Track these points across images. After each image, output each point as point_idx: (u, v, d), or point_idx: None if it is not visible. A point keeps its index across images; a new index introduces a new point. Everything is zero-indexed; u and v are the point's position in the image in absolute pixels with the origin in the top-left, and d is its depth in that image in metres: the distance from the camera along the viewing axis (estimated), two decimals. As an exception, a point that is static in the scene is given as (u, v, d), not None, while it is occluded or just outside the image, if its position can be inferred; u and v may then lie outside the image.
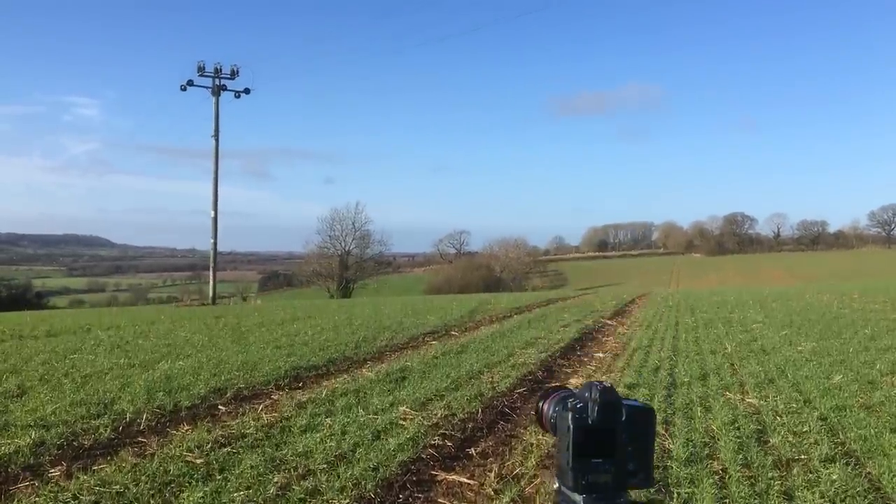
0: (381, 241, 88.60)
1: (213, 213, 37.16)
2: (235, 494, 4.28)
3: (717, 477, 4.51)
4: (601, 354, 10.41)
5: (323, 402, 6.80)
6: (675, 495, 4.21)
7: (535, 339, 11.93)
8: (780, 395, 6.88)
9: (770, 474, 4.54)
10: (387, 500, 4.35)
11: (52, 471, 4.83)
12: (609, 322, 15.67)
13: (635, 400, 1.62)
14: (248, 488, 4.38)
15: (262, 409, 6.56)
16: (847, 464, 4.75)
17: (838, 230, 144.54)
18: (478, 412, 6.38)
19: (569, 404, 1.64)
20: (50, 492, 4.33)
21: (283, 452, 5.09)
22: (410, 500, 4.39)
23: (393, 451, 5.08)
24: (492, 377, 8.18)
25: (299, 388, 7.81)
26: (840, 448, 5.11)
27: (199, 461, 4.92)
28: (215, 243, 38.22)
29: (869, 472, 4.61)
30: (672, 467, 4.69)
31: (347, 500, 4.21)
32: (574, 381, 8.13)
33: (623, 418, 1.56)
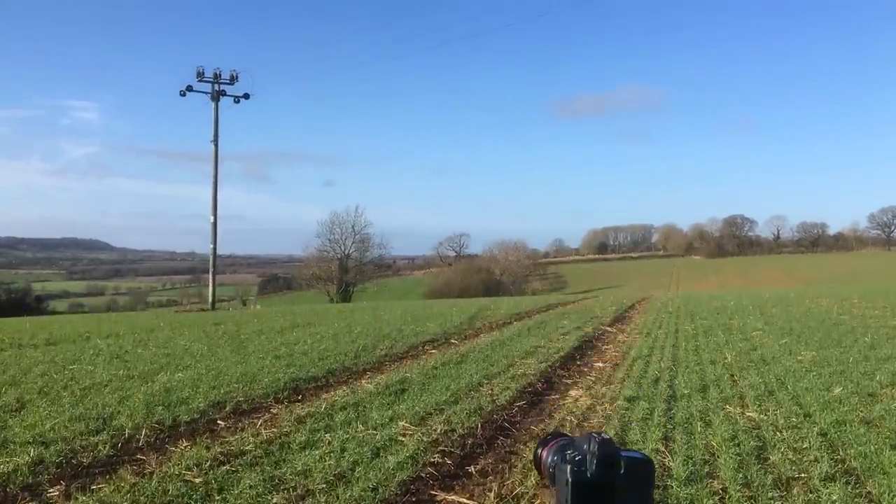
0: (381, 245, 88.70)
1: (212, 219, 37.16)
2: (234, 516, 4.27)
3: (717, 498, 4.50)
4: (601, 364, 10.40)
5: (322, 416, 6.79)
6: (675, 516, 4.21)
7: (535, 347, 11.92)
8: (780, 409, 6.87)
9: (770, 494, 4.53)
10: (386, 521, 4.34)
11: (51, 490, 4.83)
12: (609, 329, 15.66)
13: (634, 451, 1.61)
14: (247, 510, 4.37)
15: (261, 424, 6.55)
16: (847, 483, 4.74)
17: (838, 232, 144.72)
18: (477, 427, 6.37)
19: (567, 456, 1.64)
20: (48, 514, 4.32)
21: (283, 471, 5.08)
22: (410, 521, 4.38)
23: (392, 469, 5.07)
24: (491, 389, 8.17)
25: (298, 401, 7.80)
26: (840, 466, 5.10)
27: (197, 480, 4.91)
28: (214, 249, 38.23)
29: (869, 492, 4.60)
30: (672, 487, 4.68)
31: (346, 522, 4.20)
32: (573, 393, 8.11)
33: (622, 471, 1.56)
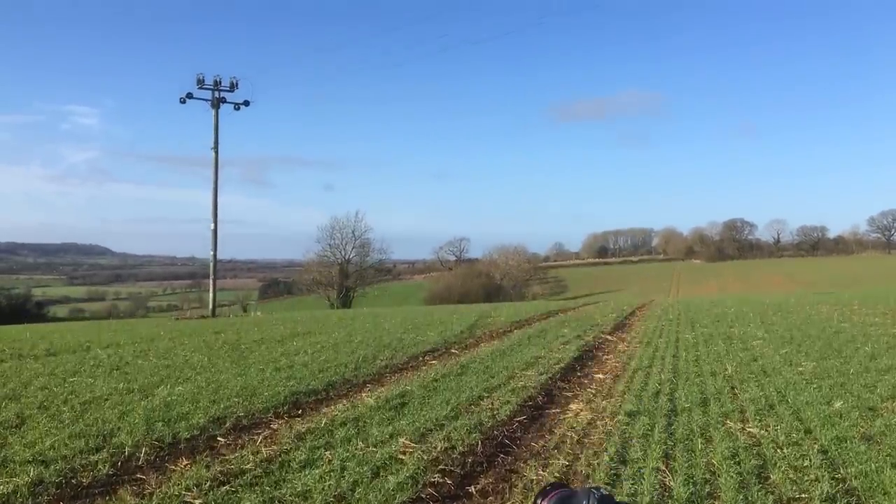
0: (381, 249, 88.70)
1: (212, 226, 37.17)
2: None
3: (717, 520, 4.49)
4: (601, 376, 10.39)
5: (322, 432, 6.78)
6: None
7: (536, 358, 11.91)
8: (781, 424, 6.86)
9: (771, 516, 4.53)
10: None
11: (51, 513, 4.82)
12: (609, 338, 15.66)
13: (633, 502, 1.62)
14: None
15: (261, 441, 6.55)
16: (848, 503, 4.73)
17: (838, 235, 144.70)
18: (478, 444, 6.36)
19: (567, 511, 1.64)
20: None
21: (282, 492, 5.07)
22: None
23: (393, 490, 5.06)
24: (492, 403, 8.16)
25: (298, 415, 7.79)
26: (841, 486, 5.09)
27: (197, 502, 4.90)
28: (215, 255, 38.22)
29: (870, 513, 4.60)
30: (672, 508, 4.67)
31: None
32: (574, 407, 8.10)
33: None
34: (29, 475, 5.41)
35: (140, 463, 5.93)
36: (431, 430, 6.82)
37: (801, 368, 10.25)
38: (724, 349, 12.92)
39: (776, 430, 6.67)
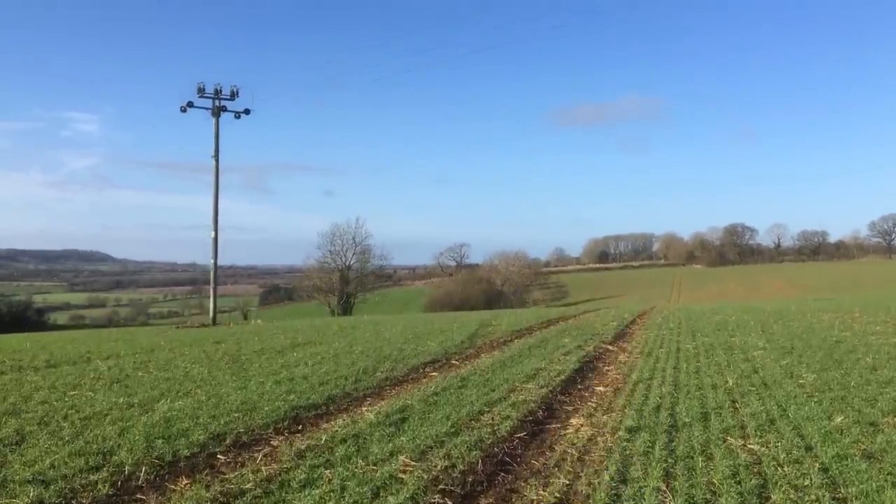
0: (382, 255, 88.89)
1: (213, 234, 37.17)
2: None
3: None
4: (602, 388, 10.38)
5: (322, 449, 6.77)
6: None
7: (536, 370, 11.90)
8: (782, 441, 6.85)
9: (772, 538, 4.52)
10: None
11: (50, 536, 4.81)
12: (610, 347, 15.65)
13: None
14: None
15: (260, 460, 6.54)
16: (849, 525, 4.72)
17: (839, 240, 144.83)
18: (478, 462, 6.35)
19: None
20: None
21: (282, 513, 5.06)
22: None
23: (392, 512, 5.05)
24: (492, 418, 8.15)
25: (299, 431, 7.78)
26: (842, 506, 5.08)
27: (197, 524, 4.89)
28: (215, 263, 38.22)
29: (871, 536, 4.59)
30: (673, 530, 4.66)
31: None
32: (575, 422, 8.09)
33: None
34: (29, 496, 5.41)
35: (140, 482, 5.92)
36: (432, 448, 6.81)
37: (801, 381, 10.24)
38: (725, 360, 12.90)
39: (776, 446, 6.65)
